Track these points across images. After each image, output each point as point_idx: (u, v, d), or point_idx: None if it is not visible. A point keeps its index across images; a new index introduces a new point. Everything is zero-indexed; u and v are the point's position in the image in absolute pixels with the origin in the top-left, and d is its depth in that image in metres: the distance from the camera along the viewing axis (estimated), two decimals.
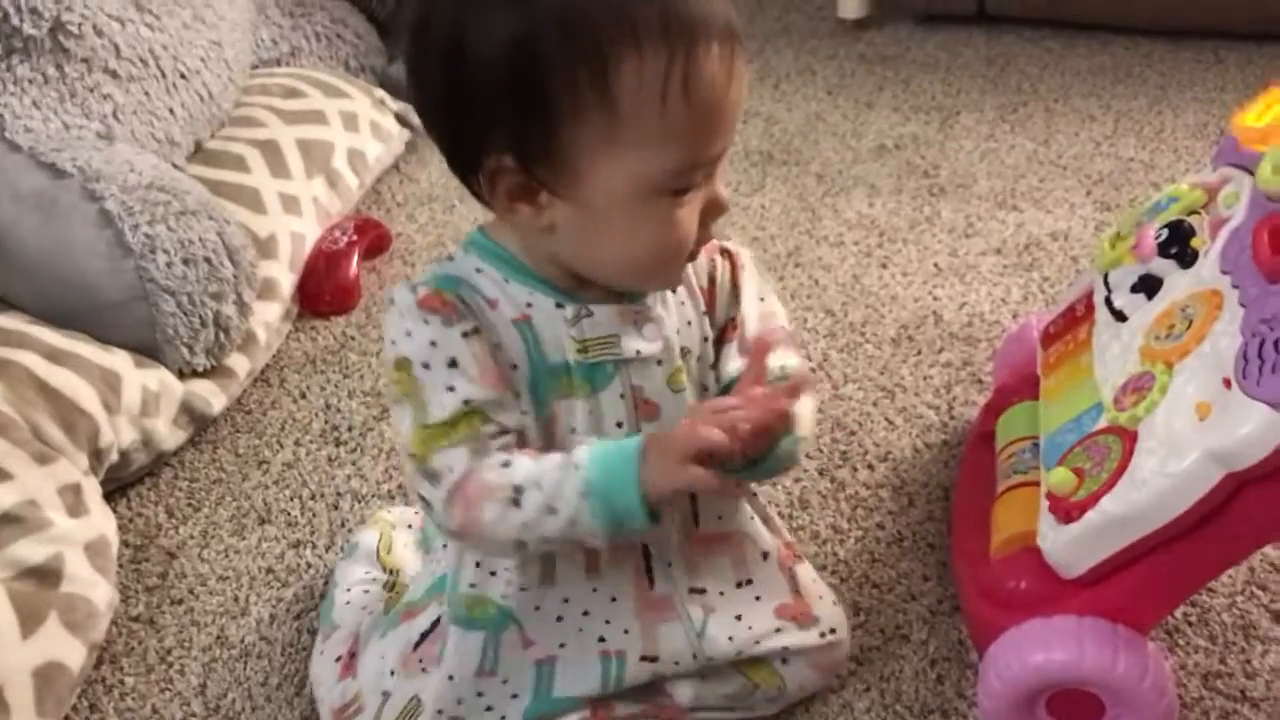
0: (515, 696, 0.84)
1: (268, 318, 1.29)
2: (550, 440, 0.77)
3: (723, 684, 0.88)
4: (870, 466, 1.13)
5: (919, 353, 1.27)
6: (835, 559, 1.04)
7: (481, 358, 0.73)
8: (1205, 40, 1.92)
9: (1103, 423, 0.85)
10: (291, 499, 1.13)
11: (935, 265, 1.42)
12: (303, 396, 1.26)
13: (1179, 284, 0.88)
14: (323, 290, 1.37)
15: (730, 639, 0.85)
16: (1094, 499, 0.80)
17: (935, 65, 1.91)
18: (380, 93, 1.66)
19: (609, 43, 0.64)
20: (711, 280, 0.82)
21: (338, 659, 0.91)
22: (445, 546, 0.87)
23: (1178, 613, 0.97)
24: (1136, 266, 0.92)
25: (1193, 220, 0.90)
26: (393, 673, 0.86)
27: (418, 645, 0.86)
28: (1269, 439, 0.72)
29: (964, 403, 1.20)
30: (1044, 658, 0.81)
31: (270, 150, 1.42)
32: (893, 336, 1.30)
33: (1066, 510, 0.82)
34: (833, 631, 0.90)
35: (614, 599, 0.82)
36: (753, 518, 0.88)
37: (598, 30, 0.64)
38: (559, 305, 0.75)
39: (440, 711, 0.83)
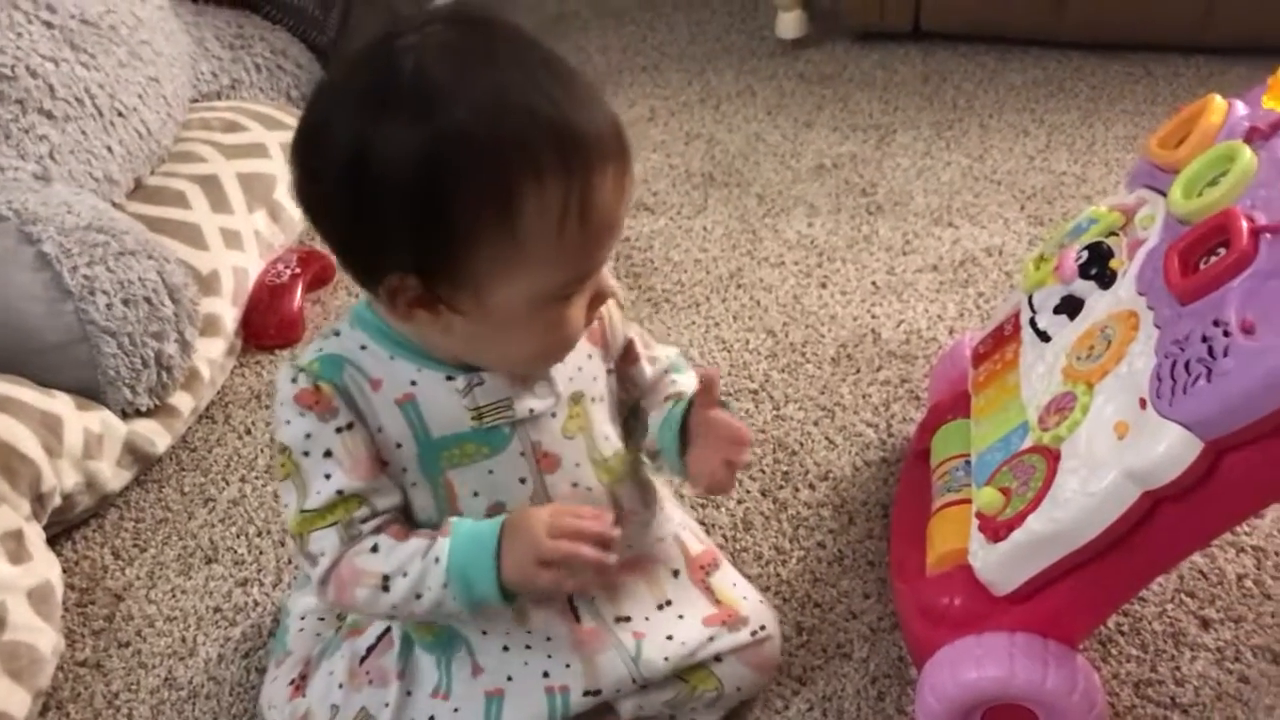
0: None
1: (211, 354, 1.29)
2: (451, 505, 0.80)
3: (662, 692, 0.89)
4: (811, 486, 1.15)
5: (858, 371, 1.29)
6: (778, 579, 1.05)
7: (354, 450, 0.76)
8: (1134, 53, 1.96)
9: (1028, 442, 0.88)
10: (238, 536, 1.13)
11: (873, 283, 1.44)
12: (248, 432, 1.26)
13: (1099, 305, 0.90)
14: (267, 324, 1.37)
15: (666, 659, 0.88)
16: (1020, 518, 0.82)
17: (872, 83, 1.94)
18: None
19: (511, 172, 0.65)
20: (599, 317, 0.84)
21: (290, 682, 0.93)
22: None
23: (1111, 623, 0.99)
24: (1059, 288, 0.94)
25: (1111, 242, 0.93)
26: (341, 686, 0.88)
27: (364, 659, 0.88)
28: (1182, 458, 0.74)
29: (902, 420, 1.22)
30: (976, 675, 0.83)
31: (211, 185, 1.43)
32: (832, 356, 1.32)
33: (995, 529, 0.84)
34: (762, 629, 0.92)
35: (549, 638, 0.85)
36: (661, 539, 0.91)
37: (501, 159, 0.65)
38: (449, 378, 0.77)
39: None
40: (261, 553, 1.11)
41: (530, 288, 0.70)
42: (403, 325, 0.75)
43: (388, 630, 0.89)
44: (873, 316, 1.38)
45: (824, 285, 1.44)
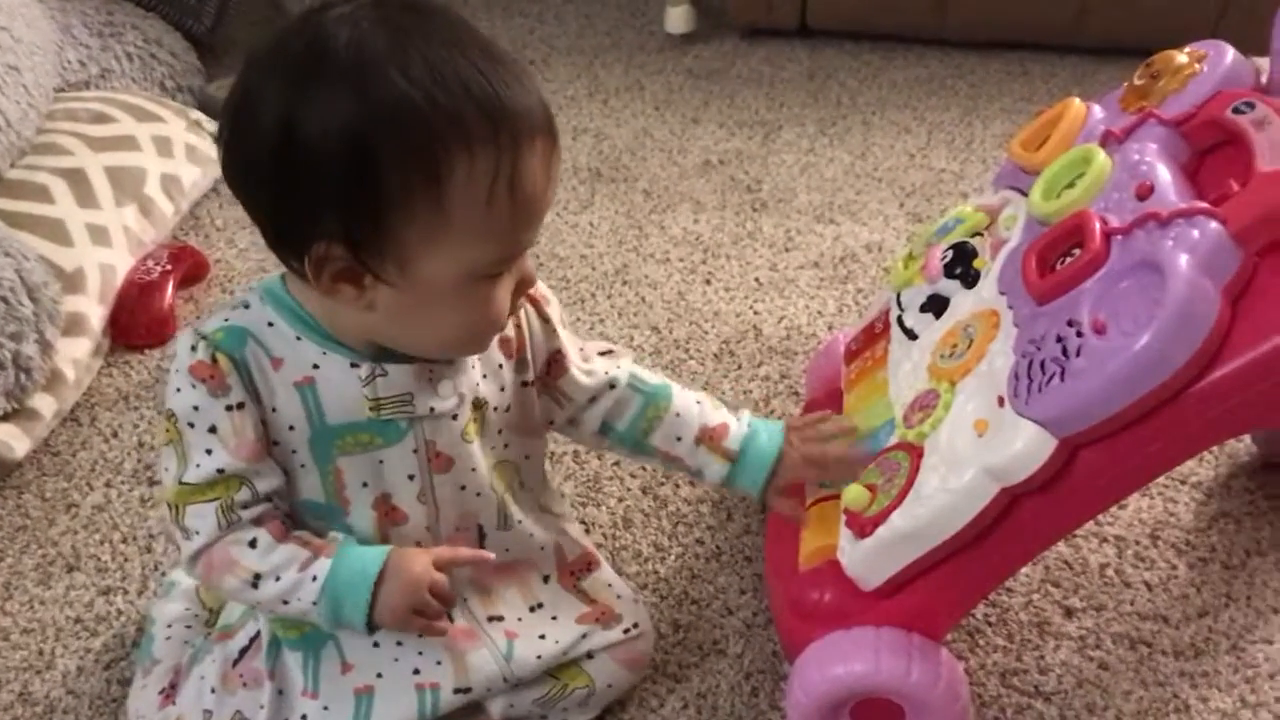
0: None
1: (76, 354, 1.24)
2: (338, 491, 0.79)
3: (533, 690, 0.89)
4: (691, 482, 1.15)
5: (739, 367, 1.30)
6: (656, 577, 1.06)
7: (241, 430, 0.75)
8: (1013, 52, 2.01)
9: (894, 439, 0.89)
10: (102, 543, 1.09)
11: (756, 280, 1.45)
12: (115, 435, 1.22)
13: (963, 304, 0.92)
14: (136, 323, 1.33)
15: (538, 657, 0.88)
16: (885, 514, 0.83)
17: (759, 79, 1.95)
18: (197, 114, 1.62)
19: (441, 143, 0.66)
20: (517, 328, 0.84)
21: (160, 691, 0.91)
22: None
23: (979, 613, 1.02)
24: (925, 286, 0.96)
25: (976, 242, 0.95)
26: (213, 691, 0.87)
27: (237, 662, 0.87)
28: (1038, 455, 0.76)
29: (781, 415, 1.23)
30: (843, 669, 0.84)
31: (77, 179, 1.37)
32: (715, 352, 1.33)
33: (861, 525, 0.85)
34: (635, 626, 0.92)
35: (419, 634, 0.83)
36: (543, 547, 0.91)
37: (430, 130, 0.66)
38: (353, 365, 0.76)
39: None
40: (126, 560, 1.07)
41: (458, 261, 0.70)
42: (322, 302, 0.74)
43: (258, 634, 0.87)
44: (755, 313, 1.39)
45: (708, 282, 1.45)
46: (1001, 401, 0.79)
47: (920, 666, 0.83)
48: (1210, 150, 0.85)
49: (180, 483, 0.76)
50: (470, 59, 0.67)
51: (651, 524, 1.11)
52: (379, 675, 0.85)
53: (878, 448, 0.91)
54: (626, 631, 0.92)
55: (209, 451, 0.75)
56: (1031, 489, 0.78)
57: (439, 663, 0.85)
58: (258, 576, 0.76)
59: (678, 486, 1.15)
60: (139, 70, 1.67)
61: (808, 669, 0.86)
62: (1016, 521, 0.80)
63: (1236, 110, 0.81)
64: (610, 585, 0.95)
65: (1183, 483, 1.14)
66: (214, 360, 0.74)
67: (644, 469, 1.16)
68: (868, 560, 0.85)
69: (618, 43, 2.09)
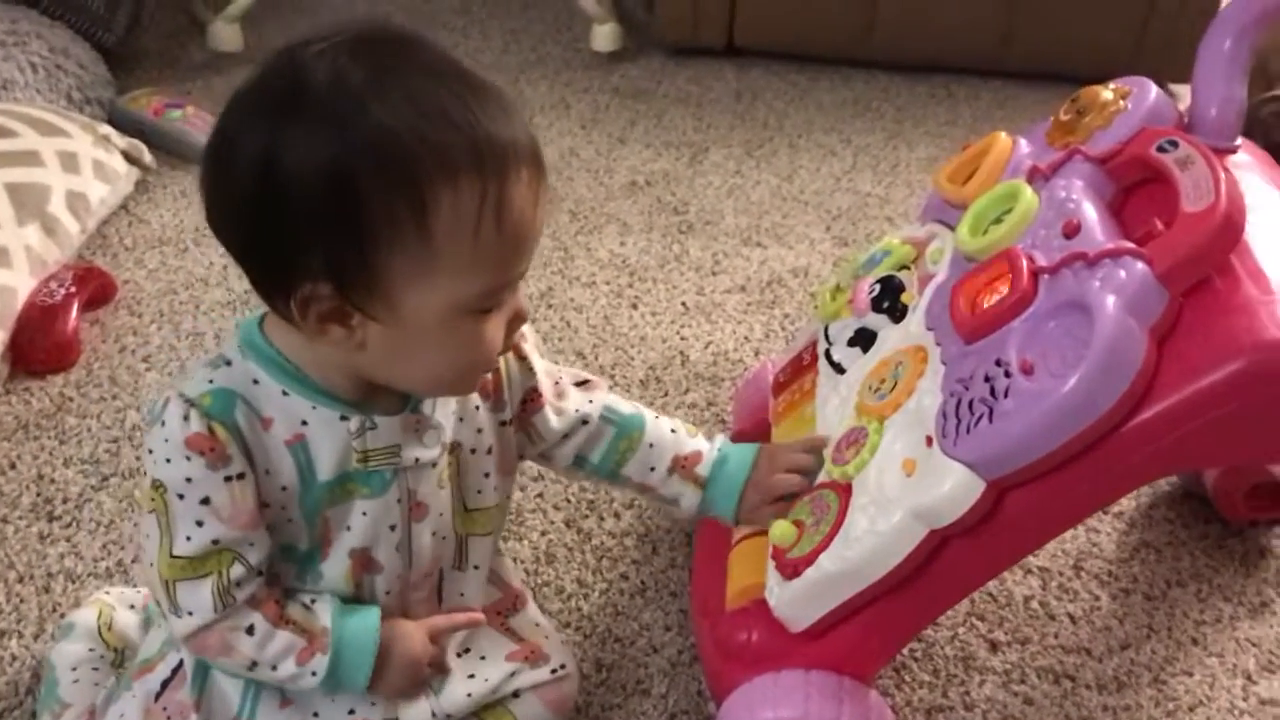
0: None
1: None
2: (324, 539, 0.78)
3: None
4: (616, 515, 1.13)
5: (666, 394, 1.28)
6: (580, 614, 1.03)
7: (240, 500, 0.72)
8: (938, 75, 2.03)
9: (823, 476, 0.88)
10: None
11: (683, 304, 1.43)
12: (12, 467, 1.16)
13: (890, 339, 0.91)
14: (38, 347, 1.27)
15: (469, 695, 0.86)
16: (814, 555, 0.82)
17: (686, 100, 1.94)
18: (105, 129, 1.56)
19: (425, 176, 0.65)
20: (495, 369, 0.83)
21: None
22: None
23: (905, 649, 1.01)
24: (853, 320, 0.95)
25: (903, 275, 0.94)
26: None
27: (159, 695, 0.83)
28: (966, 497, 0.75)
29: None
30: (771, 715, 0.82)
31: None
32: (641, 378, 1.31)
33: (788, 566, 0.83)
34: (563, 667, 0.90)
35: None
36: (489, 587, 0.90)
37: (414, 163, 0.64)
38: (343, 418, 0.74)
39: None
40: (22, 601, 1.02)
41: (446, 295, 0.68)
42: (305, 345, 0.72)
43: (181, 663, 0.83)
44: (681, 338, 1.37)
45: (635, 306, 1.43)
46: (930, 441, 0.78)
47: (850, 710, 0.82)
48: (1134, 187, 0.85)
49: (172, 556, 0.73)
50: (451, 90, 0.66)
51: (575, 558, 1.08)
52: (315, 715, 0.83)
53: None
54: (554, 672, 0.89)
55: (200, 524, 0.72)
56: (960, 531, 0.77)
57: (373, 703, 0.83)
58: (254, 664, 0.76)
59: (601, 519, 1.12)
60: (44, 81, 1.61)
61: (734, 713, 0.84)
62: (946, 562, 0.79)
63: (1160, 149, 0.81)
64: (539, 625, 0.93)
65: (1105, 513, 1.15)
66: (211, 431, 0.71)
67: (568, 501, 1.14)
68: (796, 602, 0.83)
69: (543, 59, 2.07)
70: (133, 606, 0.96)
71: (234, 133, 0.67)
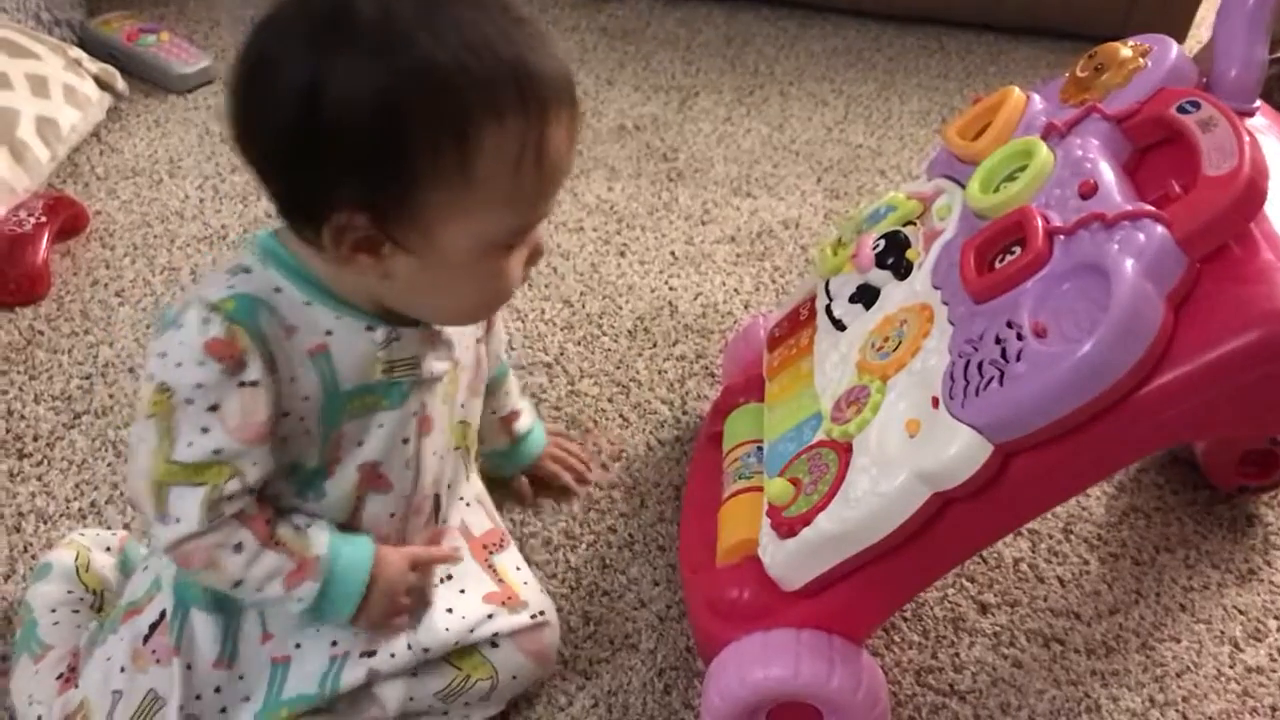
0: (247, 699, 0.82)
1: None
2: (334, 455, 0.77)
3: (434, 679, 0.86)
4: (604, 466, 1.11)
5: (654, 345, 1.26)
6: (566, 566, 1.01)
7: (250, 409, 0.71)
8: (930, 27, 1.99)
9: (821, 435, 0.86)
10: None
11: (672, 254, 1.41)
12: None
13: (894, 296, 0.89)
14: (6, 278, 1.23)
15: (446, 629, 0.85)
16: (811, 515, 0.80)
17: (675, 42, 1.90)
18: (76, 52, 1.50)
19: (472, 113, 0.64)
20: None
21: (58, 676, 0.85)
22: None
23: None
24: (856, 276, 0.93)
25: (908, 231, 0.92)
26: (123, 670, 0.81)
27: (147, 638, 0.81)
28: (973, 461, 0.73)
29: (696, 397, 1.20)
30: (762, 674, 0.81)
31: None
32: (629, 329, 1.28)
33: (784, 525, 0.82)
34: (541, 614, 0.90)
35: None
36: (461, 519, 0.91)
37: (461, 98, 0.64)
38: (369, 328, 0.74)
39: (182, 707, 0.80)
40: None
41: (480, 231, 0.68)
42: (336, 270, 0.71)
43: (164, 610, 0.81)
44: (670, 288, 1.35)
45: (622, 254, 1.40)
46: (936, 402, 0.76)
47: (842, 671, 0.81)
48: (1150, 148, 0.83)
49: (169, 461, 0.71)
50: (498, 23, 0.65)
51: (563, 510, 1.06)
52: (297, 645, 0.82)
53: (802, 443, 0.88)
54: (533, 617, 0.89)
55: (205, 430, 0.70)
56: (965, 494, 0.75)
57: (356, 633, 0.83)
58: (239, 583, 0.75)
59: (588, 470, 1.10)
60: (11, 1, 1.54)
61: (724, 672, 0.83)
62: (948, 526, 0.77)
63: (1181, 109, 0.79)
64: (519, 569, 0.93)
65: None
66: (232, 336, 0.69)
67: None
68: (791, 561, 0.82)
69: None
70: (108, 549, 0.94)
71: (275, 56, 0.64)
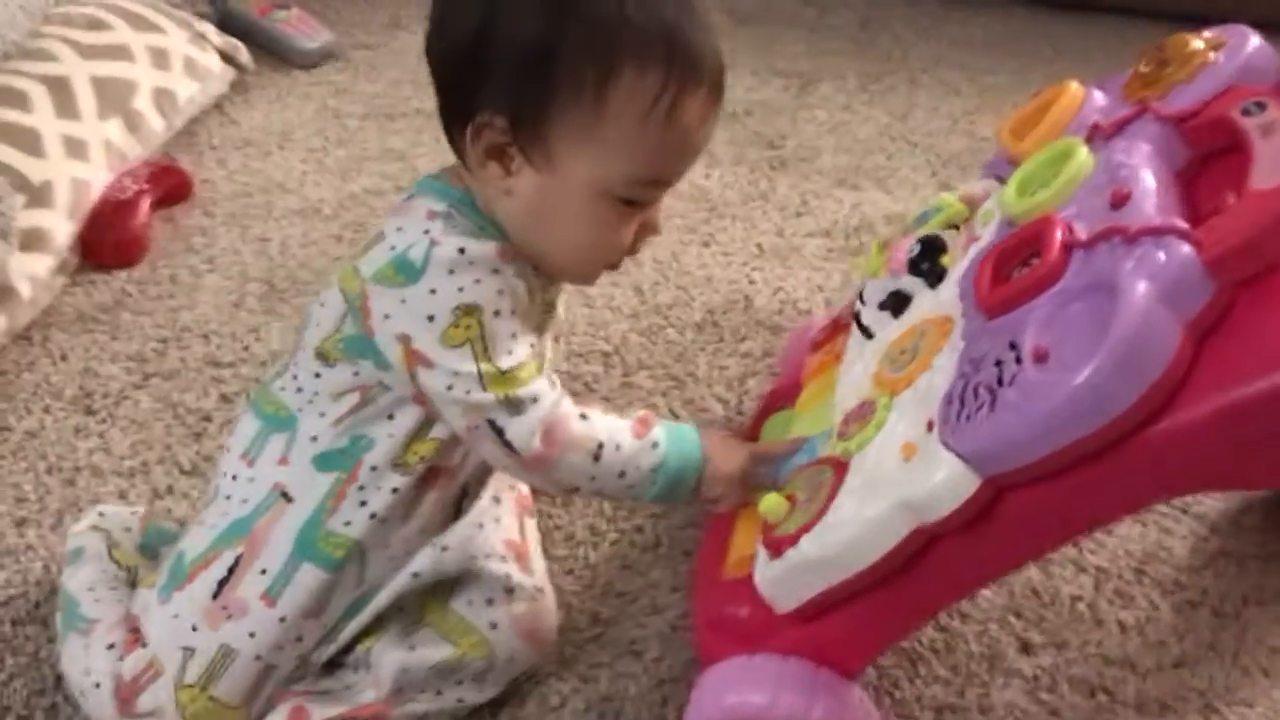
0: (324, 640, 0.84)
1: (34, 270, 1.20)
2: None
3: (431, 650, 0.84)
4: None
5: (720, 340, 1.21)
6: (585, 563, 0.99)
7: (528, 309, 0.79)
8: (1087, 13, 1.86)
9: (826, 450, 0.80)
10: (26, 471, 1.06)
11: (758, 245, 1.36)
12: (63, 359, 1.18)
13: (923, 305, 0.83)
14: (105, 242, 1.29)
15: (470, 539, 0.86)
16: (798, 535, 0.75)
17: (805, 24, 1.83)
18: (203, 27, 1.56)
19: (620, 51, 0.72)
20: None
21: (109, 646, 0.85)
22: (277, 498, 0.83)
23: (924, 638, 0.93)
24: (889, 280, 0.87)
25: (948, 235, 0.85)
26: (195, 628, 0.82)
27: (217, 594, 0.82)
28: (958, 493, 0.67)
29: (755, 396, 1.15)
30: (737, 700, 0.76)
31: (59, 88, 1.33)
32: (698, 321, 1.24)
33: (774, 543, 0.77)
34: (540, 592, 0.88)
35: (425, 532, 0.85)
36: None
37: (614, 36, 0.72)
38: (534, 267, 0.81)
39: (258, 657, 0.81)
40: (48, 491, 1.04)
41: (598, 168, 0.75)
42: (485, 196, 0.79)
43: (238, 560, 0.82)
44: (750, 281, 1.30)
45: (707, 244, 1.36)
46: (931, 426, 0.70)
47: (825, 705, 0.75)
48: (1216, 154, 0.74)
49: (499, 371, 0.75)
50: None
51: (592, 506, 1.03)
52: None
53: (813, 455, 0.82)
54: (537, 588, 0.88)
55: (515, 336, 0.77)
56: (951, 529, 0.69)
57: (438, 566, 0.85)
58: (601, 445, 0.78)
59: None
60: None
61: (704, 692, 0.79)
62: (936, 561, 0.71)
63: (1245, 111, 0.70)
64: (538, 541, 0.94)
65: (1184, 512, 1.03)
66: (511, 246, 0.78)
67: None
68: (778, 583, 0.77)
69: None
70: (129, 529, 0.95)
71: None
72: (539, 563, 0.91)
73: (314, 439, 0.82)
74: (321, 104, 1.60)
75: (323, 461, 0.82)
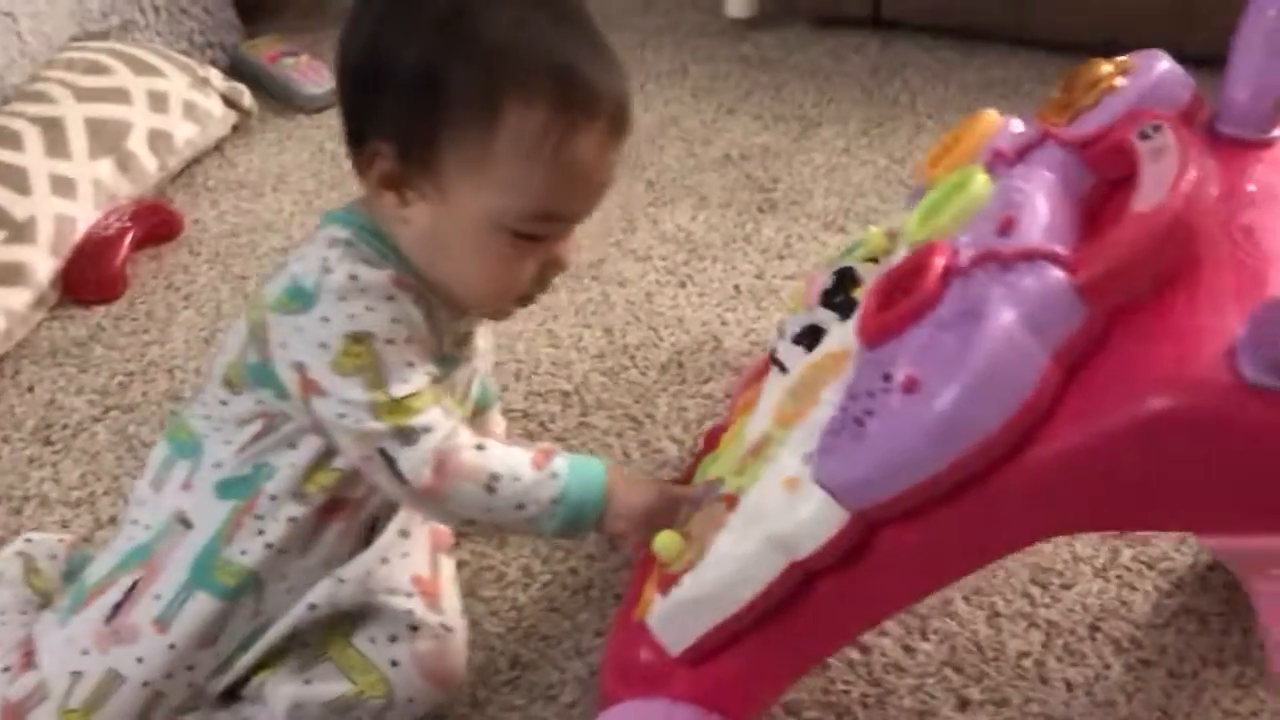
0: (217, 672, 0.83)
1: (11, 304, 1.23)
2: None
3: (326, 686, 0.82)
4: None
5: (684, 381, 1.19)
6: (512, 605, 0.96)
7: (426, 337, 0.77)
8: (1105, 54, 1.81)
9: (727, 487, 0.77)
10: None
11: (736, 286, 1.33)
12: (30, 390, 1.20)
13: (832, 338, 0.80)
14: (86, 278, 1.31)
15: (370, 573, 0.84)
16: (684, 571, 0.72)
17: (816, 71, 1.81)
18: (207, 71, 1.60)
19: (507, 83, 0.71)
20: None
21: (5, 668, 0.85)
22: (180, 524, 0.83)
23: (854, 691, 0.89)
24: (805, 314, 0.84)
25: (865, 268, 0.82)
26: (85, 652, 0.82)
27: (111, 618, 0.82)
28: (825, 528, 0.64)
29: None
30: None
31: (52, 128, 1.36)
32: (664, 362, 1.22)
33: (664, 581, 0.74)
34: (449, 630, 0.86)
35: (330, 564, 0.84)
36: None
37: (502, 67, 0.71)
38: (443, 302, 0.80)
39: (146, 684, 0.81)
40: None
41: (489, 201, 0.74)
42: (371, 206, 0.79)
43: (134, 585, 0.82)
44: (722, 323, 1.27)
45: (684, 284, 1.34)
46: (808, 459, 0.67)
47: None
48: (1124, 180, 0.70)
49: (391, 400, 0.74)
50: (563, 30, 0.73)
51: (528, 545, 1.01)
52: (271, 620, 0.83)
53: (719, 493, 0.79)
54: (443, 625, 0.85)
55: (411, 364, 0.75)
56: (825, 566, 0.65)
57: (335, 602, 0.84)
58: (495, 477, 0.76)
59: None
60: (165, 24, 1.67)
61: None
62: (817, 601, 0.68)
63: (1143, 135, 0.66)
64: (451, 581, 0.91)
65: (1150, 567, 0.98)
66: (398, 270, 0.76)
67: None
68: (665, 622, 0.74)
69: (676, 24, 1.98)
70: (54, 557, 0.95)
71: (363, 8, 0.75)
72: (451, 601, 0.89)
73: (217, 466, 0.82)
74: (319, 147, 1.63)
75: (223, 489, 0.82)
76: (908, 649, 0.91)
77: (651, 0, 2.07)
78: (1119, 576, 0.97)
